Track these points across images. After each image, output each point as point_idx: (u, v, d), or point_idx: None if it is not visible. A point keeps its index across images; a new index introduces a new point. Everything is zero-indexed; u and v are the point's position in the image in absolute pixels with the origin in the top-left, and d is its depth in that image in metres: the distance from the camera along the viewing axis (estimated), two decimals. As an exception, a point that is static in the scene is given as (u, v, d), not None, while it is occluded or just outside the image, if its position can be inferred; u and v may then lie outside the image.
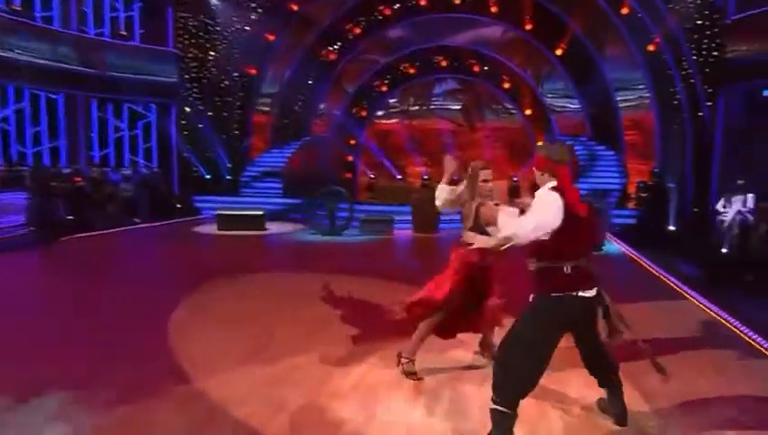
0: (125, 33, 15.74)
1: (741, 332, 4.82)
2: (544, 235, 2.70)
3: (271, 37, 17.41)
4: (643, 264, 8.19)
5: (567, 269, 2.75)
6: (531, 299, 2.87)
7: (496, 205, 3.42)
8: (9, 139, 14.20)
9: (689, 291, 6.25)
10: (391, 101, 20.14)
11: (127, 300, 5.75)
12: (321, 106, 19.73)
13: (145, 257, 9.02)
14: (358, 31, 18.24)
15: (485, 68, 18.59)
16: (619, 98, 15.94)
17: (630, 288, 6.27)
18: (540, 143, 3.25)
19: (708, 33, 13.77)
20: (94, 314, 5.29)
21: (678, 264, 7.89)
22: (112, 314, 5.24)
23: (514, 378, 2.75)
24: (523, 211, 3.05)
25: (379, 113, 20.22)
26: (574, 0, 15.56)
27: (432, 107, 20.19)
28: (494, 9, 16.68)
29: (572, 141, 16.39)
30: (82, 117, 15.16)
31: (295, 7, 16.96)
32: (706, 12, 13.62)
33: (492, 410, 2.77)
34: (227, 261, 8.30)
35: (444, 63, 18.88)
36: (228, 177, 16.84)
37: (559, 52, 16.67)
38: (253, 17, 17.02)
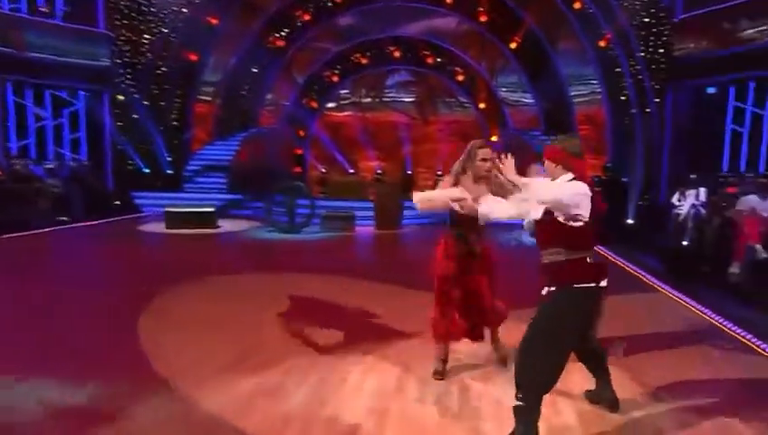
0: (46, 10, 14.62)
1: (718, 323, 5.16)
2: (562, 215, 2.78)
3: (213, 21, 16.79)
4: (609, 257, 8.60)
5: (590, 260, 2.83)
6: (547, 292, 2.86)
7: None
8: None
9: (660, 283, 6.63)
10: (343, 92, 20.00)
11: (85, 307, 5.38)
12: (269, 96, 19.29)
13: (92, 259, 8.47)
14: (307, 18, 17.95)
15: (439, 60, 18.85)
16: (572, 93, 16.62)
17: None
18: (555, 137, 3.25)
19: (655, 30, 14.64)
20: (52, 323, 4.90)
21: (641, 257, 8.34)
22: (70, 324, 4.88)
23: (538, 373, 2.78)
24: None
25: (331, 105, 20.02)
26: (529, -7, 16.07)
27: (385, 99, 20.23)
28: (448, 0, 16.91)
29: (526, 136, 17.03)
30: (-5, 102, 13.98)
31: (240, -11, 16.46)
32: (653, 10, 14.47)
33: (515, 408, 2.79)
34: (183, 262, 7.95)
35: (397, 54, 18.95)
36: (169, 171, 16.11)
37: (513, 45, 17.15)
38: (191, -2, 16.33)
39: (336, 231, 10.75)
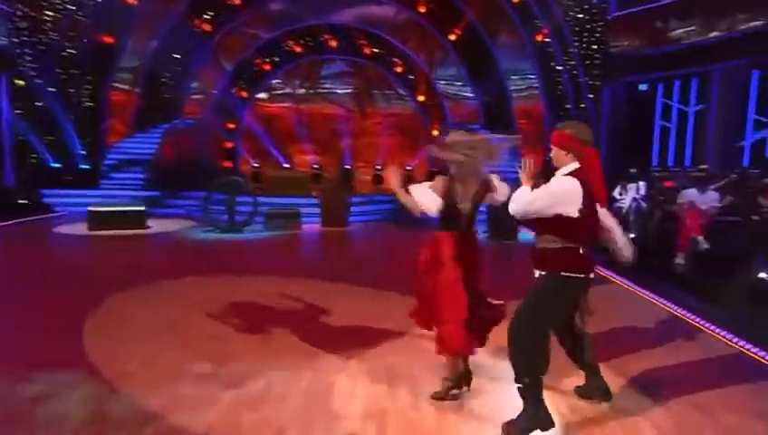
0: None
1: (682, 315, 5.59)
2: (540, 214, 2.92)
3: (131, 0, 15.85)
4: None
5: (582, 251, 2.95)
6: (538, 275, 3.03)
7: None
8: None
9: (616, 276, 7.06)
10: (275, 81, 19.60)
11: (22, 319, 4.92)
12: (195, 84, 18.53)
13: (6, 264, 7.74)
14: (236, 0, 17.39)
15: (377, 50, 18.94)
16: (511, 87, 17.28)
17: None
18: (564, 122, 3.30)
19: (589, 27, 15.55)
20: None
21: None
22: (12, 340, 4.45)
23: (530, 358, 2.95)
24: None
25: (263, 95, 19.56)
26: (469, -15, 16.51)
27: (320, 90, 20.06)
28: (387, -12, 17.03)
29: (465, 129, 17.48)
30: None
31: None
32: (586, 6, 15.35)
33: (519, 390, 2.96)
34: (117, 266, 7.47)
35: (332, 43, 18.84)
36: (85, 166, 15.05)
37: (453, 37, 17.56)
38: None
39: (280, 230, 10.53)
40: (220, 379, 3.71)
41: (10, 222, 11.03)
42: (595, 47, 15.63)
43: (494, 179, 3.53)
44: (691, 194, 8.15)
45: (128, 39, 16.47)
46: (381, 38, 18.60)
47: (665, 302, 5.95)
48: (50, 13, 15.07)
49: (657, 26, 13.38)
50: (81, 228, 10.11)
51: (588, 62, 15.71)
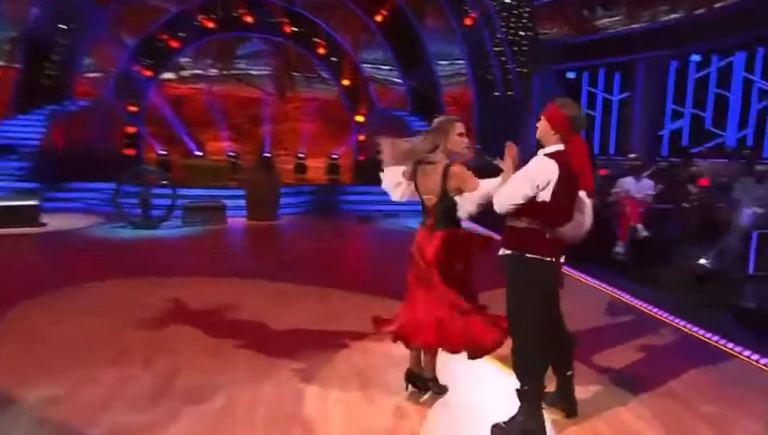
0: None
1: (635, 303, 5.94)
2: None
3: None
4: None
5: (548, 235, 2.96)
6: (503, 253, 3.04)
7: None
8: None
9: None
10: (184, 60, 18.60)
11: None
12: (88, 61, 17.15)
13: None
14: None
15: (297, 29, 18.48)
16: (439, 72, 17.53)
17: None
18: (562, 100, 3.26)
19: (516, 12, 16.10)
20: None
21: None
22: None
23: (526, 355, 2.99)
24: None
25: (170, 75, 18.50)
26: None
27: (235, 71, 19.30)
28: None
29: (394, 116, 17.57)
30: None
31: None
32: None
33: (516, 391, 3.02)
34: (14, 272, 6.76)
35: (249, 19, 18.13)
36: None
37: (378, 18, 17.50)
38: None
39: (203, 225, 10.03)
40: (172, 397, 3.44)
41: None
42: (523, 33, 16.21)
43: (464, 171, 3.33)
44: (628, 182, 8.66)
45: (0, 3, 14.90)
46: (303, 16, 18.17)
47: (612, 290, 6.31)
48: None
49: (584, 15, 14.12)
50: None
51: (516, 48, 16.26)
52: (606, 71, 16.33)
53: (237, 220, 10.68)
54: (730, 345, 4.56)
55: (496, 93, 16.86)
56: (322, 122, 19.17)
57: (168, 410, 3.26)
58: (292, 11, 18.05)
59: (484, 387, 3.71)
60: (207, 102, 18.55)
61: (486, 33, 16.44)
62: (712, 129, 15.49)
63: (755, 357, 4.30)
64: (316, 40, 18.58)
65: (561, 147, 2.98)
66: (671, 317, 5.31)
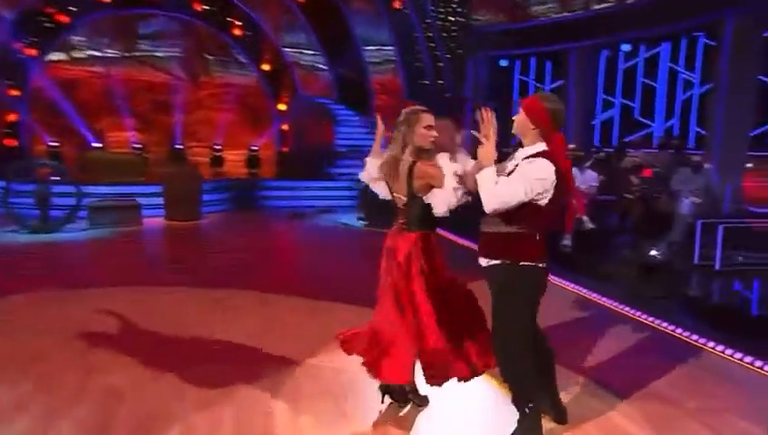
0: None
1: (593, 298, 6.14)
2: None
3: None
4: (449, 237, 9.12)
5: (538, 237, 2.91)
6: (487, 264, 2.97)
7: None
8: None
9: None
10: (77, 38, 17.31)
11: None
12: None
13: None
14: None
15: (209, 8, 17.73)
16: (367, 58, 17.43)
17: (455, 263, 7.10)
18: (542, 92, 3.17)
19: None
20: None
21: (471, 233, 9.23)
22: None
23: (514, 364, 2.97)
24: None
25: (59, 55, 17.15)
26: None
27: (137, 53, 18.22)
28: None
29: (319, 104, 17.27)
30: None
31: None
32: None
33: (513, 401, 3.01)
34: None
35: (154, -6, 17.22)
36: None
37: (301, -1, 17.15)
38: None
39: (114, 226, 9.35)
40: (117, 433, 3.11)
41: None
42: (453, 19, 16.44)
43: (430, 167, 3.16)
44: (572, 174, 8.98)
45: None
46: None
47: (566, 283, 6.50)
48: None
49: (517, 1, 14.53)
50: None
51: (446, 34, 16.47)
52: (537, 60, 16.92)
53: (154, 220, 10.07)
54: (694, 337, 4.80)
55: (426, 82, 17.02)
56: (240, 111, 18.56)
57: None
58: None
59: (468, 398, 3.64)
60: (106, 87, 17.39)
61: (416, 17, 16.54)
62: (640, 118, 16.49)
63: (720, 348, 4.55)
64: (230, 20, 17.93)
65: (543, 145, 2.89)
66: (632, 311, 5.54)
